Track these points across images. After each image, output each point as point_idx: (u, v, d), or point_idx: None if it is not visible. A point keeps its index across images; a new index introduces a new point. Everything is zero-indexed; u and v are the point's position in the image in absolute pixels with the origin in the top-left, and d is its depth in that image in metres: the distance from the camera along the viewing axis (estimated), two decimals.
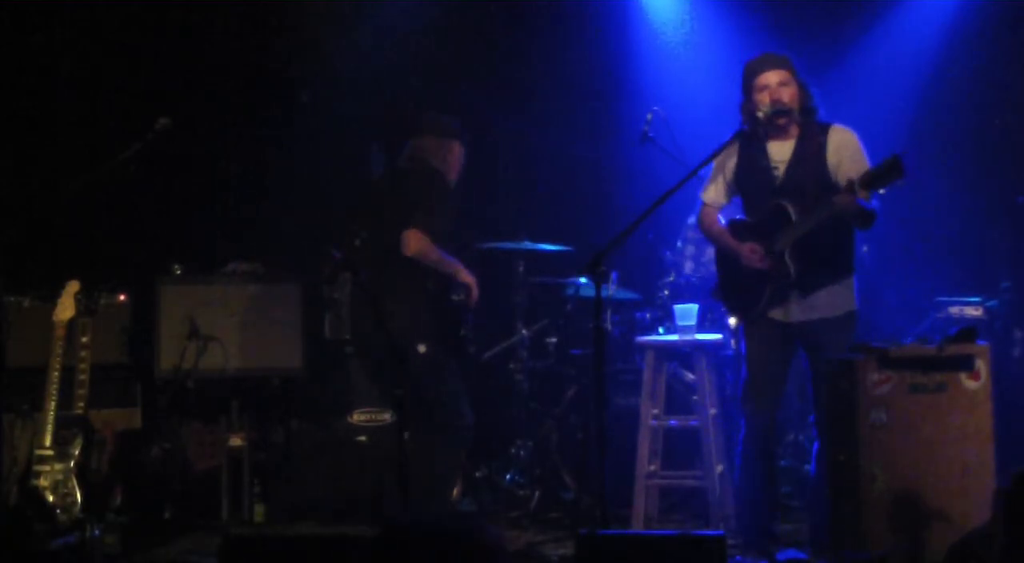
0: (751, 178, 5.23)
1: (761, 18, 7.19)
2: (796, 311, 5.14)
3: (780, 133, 5.18)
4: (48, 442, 5.49)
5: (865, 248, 6.57)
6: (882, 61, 7.31)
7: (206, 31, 7.39)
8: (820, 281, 5.11)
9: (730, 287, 5.37)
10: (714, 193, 5.36)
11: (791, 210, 5.04)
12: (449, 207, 5.63)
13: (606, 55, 7.66)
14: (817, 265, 5.08)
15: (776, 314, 5.18)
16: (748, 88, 5.19)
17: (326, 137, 7.47)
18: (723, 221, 5.39)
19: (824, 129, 5.16)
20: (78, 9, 7.20)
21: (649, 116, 6.24)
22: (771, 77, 5.13)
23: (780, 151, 5.19)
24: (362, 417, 6.53)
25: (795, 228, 5.02)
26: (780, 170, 5.17)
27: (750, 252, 5.14)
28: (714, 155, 5.14)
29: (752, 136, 5.17)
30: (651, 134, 6.23)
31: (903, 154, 4.72)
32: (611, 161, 7.34)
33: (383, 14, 7.51)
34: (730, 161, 5.28)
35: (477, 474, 6.69)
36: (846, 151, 5.09)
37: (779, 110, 5.10)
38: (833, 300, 5.13)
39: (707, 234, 5.48)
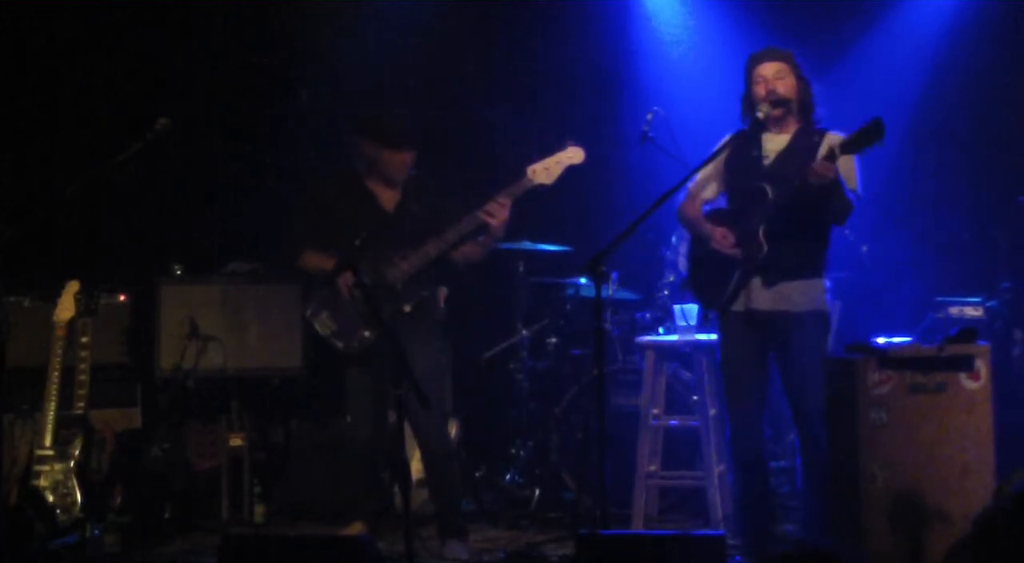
0: (740, 167, 5.22)
1: (761, 18, 7.19)
2: (758, 299, 5.12)
3: (777, 126, 5.19)
4: (48, 442, 5.50)
5: (865, 248, 6.57)
6: (882, 61, 7.31)
7: (206, 31, 7.39)
8: (788, 272, 5.10)
9: (700, 276, 5.34)
10: (701, 183, 5.31)
11: (769, 190, 5.04)
12: (316, 208, 5.73)
13: (606, 55, 7.66)
14: (789, 254, 5.07)
15: (741, 303, 5.16)
16: (748, 79, 5.21)
17: (326, 137, 7.47)
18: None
19: (821, 132, 5.18)
20: (78, 9, 7.20)
21: (649, 116, 6.24)
22: (767, 69, 5.15)
23: (774, 143, 5.20)
24: None
25: (772, 202, 5.02)
26: (769, 159, 5.18)
27: (721, 236, 5.14)
28: (714, 156, 5.15)
29: (748, 129, 5.18)
30: (651, 134, 6.23)
31: (880, 118, 4.77)
32: (611, 161, 7.34)
33: (383, 14, 7.51)
34: (718, 156, 5.23)
35: (477, 474, 6.70)
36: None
37: (775, 100, 5.10)
38: (799, 295, 5.12)
39: (684, 220, 5.42)
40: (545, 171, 5.46)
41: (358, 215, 5.60)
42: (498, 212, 5.43)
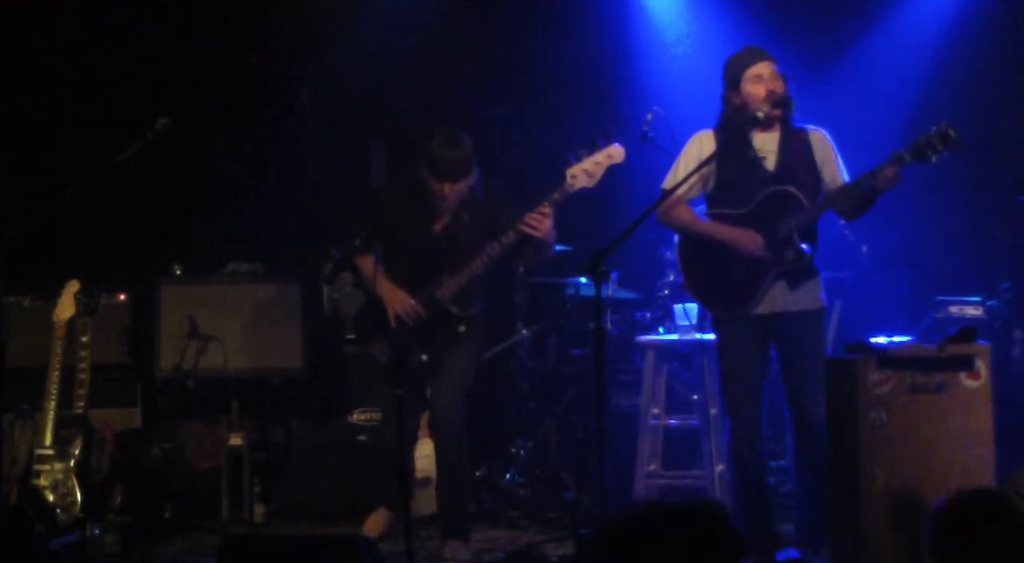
0: (738, 169, 5.19)
1: (761, 18, 7.19)
2: (783, 301, 5.13)
3: (766, 125, 5.17)
4: (48, 442, 5.49)
5: (865, 248, 6.57)
6: (882, 60, 7.31)
7: (206, 31, 7.39)
8: (808, 272, 5.14)
9: (709, 281, 5.28)
10: (685, 185, 5.20)
11: (800, 194, 5.04)
12: (378, 218, 5.57)
13: (606, 55, 7.66)
14: (812, 254, 5.12)
15: (762, 308, 5.14)
16: (736, 80, 5.17)
17: (326, 137, 7.47)
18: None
19: (802, 128, 5.21)
20: (78, 9, 7.20)
21: (649, 116, 6.24)
22: (763, 68, 5.14)
23: (766, 142, 5.19)
24: (362, 417, 6.53)
25: (817, 207, 5.04)
26: (770, 160, 5.17)
27: (750, 239, 5.09)
28: (711, 158, 5.14)
29: (736, 129, 5.17)
30: (651, 134, 6.23)
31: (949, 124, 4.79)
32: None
33: (383, 14, 7.51)
34: (706, 154, 5.19)
35: (477, 474, 6.70)
36: (826, 150, 5.19)
37: (776, 100, 5.11)
38: (811, 294, 5.16)
39: (676, 222, 5.31)
40: (586, 174, 5.23)
41: (408, 232, 5.51)
42: (540, 223, 5.24)
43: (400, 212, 5.55)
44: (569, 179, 5.25)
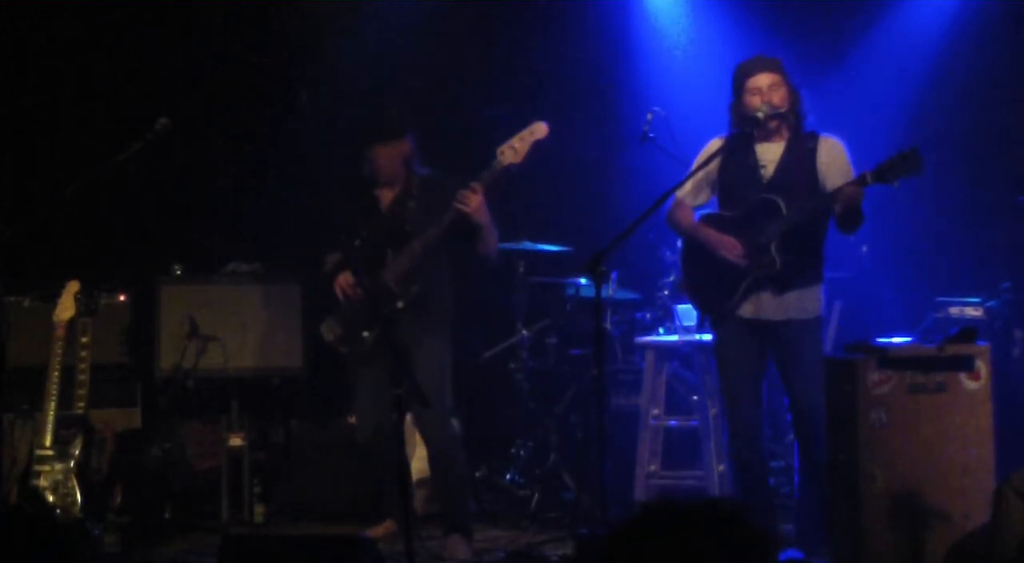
0: (736, 176, 5.22)
1: (761, 18, 7.19)
2: (768, 308, 5.14)
3: (769, 135, 5.19)
4: (48, 442, 5.49)
5: (865, 248, 6.57)
6: (882, 61, 7.31)
7: (206, 31, 7.39)
8: (795, 281, 5.13)
9: (701, 282, 5.33)
10: (692, 190, 5.31)
11: (781, 203, 5.05)
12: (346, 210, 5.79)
13: (606, 55, 7.66)
14: (797, 263, 5.11)
15: (747, 311, 5.17)
16: (739, 90, 5.21)
17: (326, 137, 7.47)
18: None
19: (814, 136, 5.20)
20: (78, 9, 7.20)
21: (649, 116, 6.24)
22: (762, 80, 5.15)
23: (768, 152, 5.20)
24: None
25: (787, 218, 5.03)
26: (768, 169, 5.18)
27: (731, 246, 5.13)
28: (707, 162, 5.15)
29: (740, 136, 5.19)
30: (651, 134, 6.23)
31: (919, 149, 4.77)
32: (611, 161, 7.33)
33: (383, 14, 7.51)
34: (713, 161, 5.25)
35: (477, 474, 6.70)
36: (834, 159, 5.16)
37: (774, 113, 5.12)
38: (804, 303, 5.16)
39: (678, 226, 5.40)
40: (512, 150, 5.42)
41: (359, 219, 5.65)
42: (469, 199, 5.38)
43: (356, 201, 5.73)
44: (498, 156, 5.43)
